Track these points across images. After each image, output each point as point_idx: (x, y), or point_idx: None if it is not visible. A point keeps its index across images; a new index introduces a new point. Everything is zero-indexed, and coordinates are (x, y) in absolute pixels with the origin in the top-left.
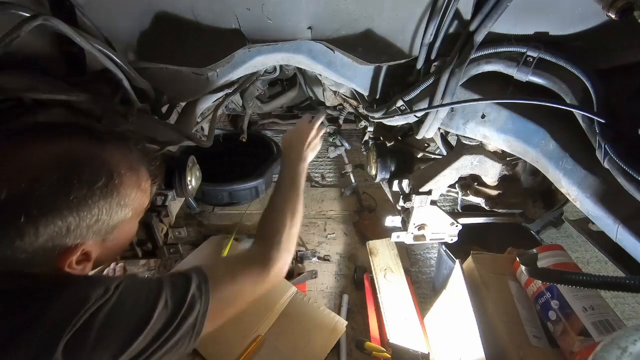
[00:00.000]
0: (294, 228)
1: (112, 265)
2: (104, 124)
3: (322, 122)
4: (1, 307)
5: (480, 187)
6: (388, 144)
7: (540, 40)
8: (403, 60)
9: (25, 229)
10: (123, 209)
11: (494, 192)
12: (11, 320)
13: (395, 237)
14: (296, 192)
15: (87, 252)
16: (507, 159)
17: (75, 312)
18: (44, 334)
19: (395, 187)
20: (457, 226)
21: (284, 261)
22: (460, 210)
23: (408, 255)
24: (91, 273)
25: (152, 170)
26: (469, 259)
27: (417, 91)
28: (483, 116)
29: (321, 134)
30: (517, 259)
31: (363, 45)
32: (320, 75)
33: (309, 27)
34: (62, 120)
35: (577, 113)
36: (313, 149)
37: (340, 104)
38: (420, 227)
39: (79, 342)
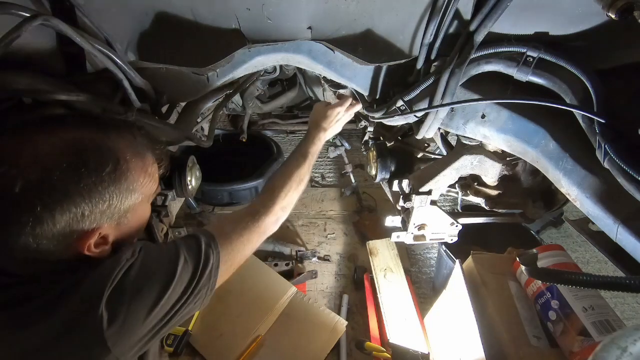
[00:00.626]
0: (295, 192)
1: None
2: None
3: (351, 102)
4: (38, 287)
5: (480, 187)
6: (388, 144)
7: (540, 40)
8: (403, 60)
9: (43, 217)
10: (133, 194)
11: (494, 192)
12: (53, 289)
13: (395, 237)
14: (307, 161)
15: (105, 236)
16: (507, 159)
17: (110, 272)
18: (86, 294)
19: (395, 187)
20: (457, 226)
21: (277, 216)
22: (460, 210)
23: (408, 255)
24: None
25: (157, 154)
26: (469, 259)
27: (417, 91)
28: (483, 116)
29: (351, 111)
30: (517, 259)
31: (363, 45)
32: (321, 75)
33: (309, 27)
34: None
35: (577, 113)
36: (336, 123)
37: None
38: (420, 227)
39: (118, 297)
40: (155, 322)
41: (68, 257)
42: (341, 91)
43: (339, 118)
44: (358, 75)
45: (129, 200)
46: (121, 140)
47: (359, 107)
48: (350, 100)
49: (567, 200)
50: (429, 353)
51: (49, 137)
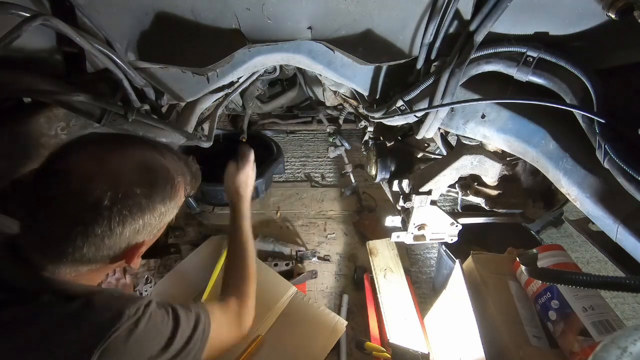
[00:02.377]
0: (254, 272)
1: None
2: (106, 126)
3: (246, 155)
4: (37, 308)
5: (480, 187)
6: (388, 144)
7: (540, 40)
8: (403, 60)
9: (117, 227)
10: (174, 210)
11: (494, 192)
12: (45, 323)
13: (395, 237)
14: (250, 239)
15: (143, 250)
16: (507, 159)
17: (109, 325)
18: (80, 343)
19: (395, 187)
20: (457, 226)
21: (253, 309)
22: (460, 210)
23: (408, 255)
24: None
25: (195, 175)
26: (469, 259)
27: (417, 91)
28: (483, 116)
29: (249, 166)
30: (517, 259)
31: (363, 45)
32: (320, 75)
33: (309, 27)
34: (56, 123)
35: (577, 113)
36: (247, 185)
37: (340, 104)
38: (420, 227)
39: (113, 352)
40: None
41: (91, 275)
42: (242, 147)
43: (251, 177)
44: (358, 75)
45: (171, 215)
46: (172, 161)
47: (252, 158)
48: (252, 154)
49: (567, 200)
50: (429, 353)
51: (125, 155)
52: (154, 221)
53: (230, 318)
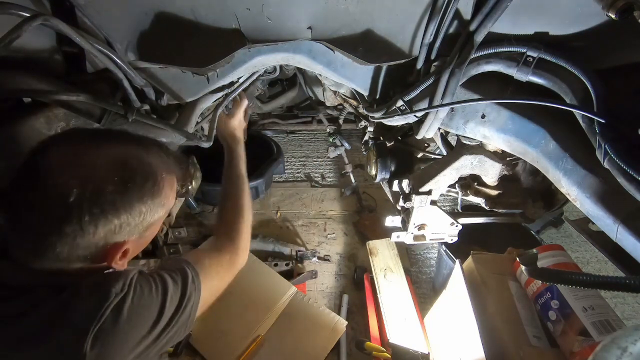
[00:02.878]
0: (250, 218)
1: None
2: (105, 126)
3: (238, 101)
4: (29, 302)
5: (480, 187)
6: (388, 144)
7: (540, 40)
8: (403, 60)
9: (88, 227)
10: (161, 209)
11: (494, 192)
12: (45, 308)
13: (395, 237)
14: (245, 180)
15: (127, 250)
16: (507, 159)
17: (98, 307)
18: (72, 330)
19: (395, 187)
20: (457, 226)
21: (247, 251)
22: (460, 210)
23: (408, 255)
24: None
25: (182, 172)
26: (469, 259)
27: (417, 91)
28: (483, 116)
29: (241, 112)
30: (517, 259)
31: (363, 45)
32: (320, 75)
33: (309, 27)
34: (56, 123)
35: (577, 113)
36: (240, 128)
37: (340, 104)
38: (420, 227)
39: (103, 337)
40: (134, 357)
41: (84, 269)
42: (236, 96)
43: (242, 122)
44: (358, 75)
45: (157, 215)
46: (157, 157)
47: (245, 104)
48: (244, 102)
49: (567, 200)
50: (429, 353)
51: (101, 150)
52: (134, 221)
53: (221, 263)
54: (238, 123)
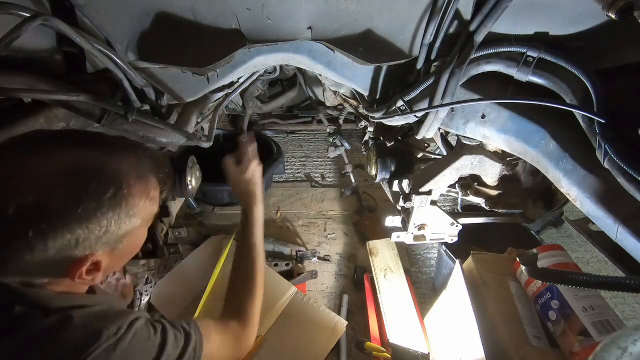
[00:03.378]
0: (261, 289)
1: None
2: (105, 126)
3: (243, 148)
4: (9, 327)
5: (480, 187)
6: (388, 144)
7: (540, 40)
8: (403, 60)
9: (34, 243)
10: (132, 219)
11: (494, 192)
12: (16, 343)
13: (395, 237)
14: (260, 252)
15: (97, 262)
16: (507, 159)
17: (84, 347)
18: None
19: (395, 187)
20: (457, 226)
21: (255, 330)
22: (460, 210)
23: (408, 255)
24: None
25: (161, 178)
26: (469, 259)
27: (417, 91)
28: (483, 116)
29: (252, 161)
30: (517, 259)
31: (363, 45)
32: (320, 75)
33: (309, 27)
34: (56, 123)
35: (577, 113)
36: (255, 182)
37: (340, 104)
38: (420, 227)
39: None
40: None
41: (58, 294)
42: (241, 138)
43: (256, 176)
44: (358, 75)
45: (127, 226)
46: (125, 162)
47: (253, 146)
48: (251, 146)
49: (567, 200)
50: (429, 353)
51: (49, 156)
52: (94, 234)
53: (227, 340)
54: (251, 174)
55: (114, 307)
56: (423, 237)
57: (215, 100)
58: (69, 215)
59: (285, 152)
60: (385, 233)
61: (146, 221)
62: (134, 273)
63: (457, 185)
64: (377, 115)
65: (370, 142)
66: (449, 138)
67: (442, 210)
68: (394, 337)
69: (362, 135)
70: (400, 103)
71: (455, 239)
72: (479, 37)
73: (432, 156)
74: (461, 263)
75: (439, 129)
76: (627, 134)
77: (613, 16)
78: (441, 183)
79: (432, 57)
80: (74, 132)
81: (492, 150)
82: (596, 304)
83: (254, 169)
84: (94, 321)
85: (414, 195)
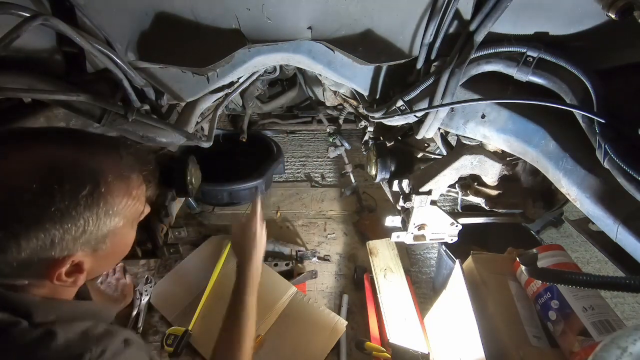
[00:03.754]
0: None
1: None
2: (105, 126)
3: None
4: None
5: (480, 187)
6: (388, 144)
7: (540, 40)
8: (403, 60)
9: (6, 243)
10: (112, 218)
11: (494, 192)
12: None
13: (395, 237)
14: (250, 316)
15: (78, 263)
16: (507, 159)
17: None
18: None
19: (395, 187)
20: (457, 226)
21: None
22: (460, 210)
23: (408, 255)
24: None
25: (145, 175)
26: (469, 259)
27: (417, 91)
28: (483, 116)
29: (256, 221)
30: (517, 259)
31: (363, 45)
32: (320, 75)
33: (309, 27)
34: (56, 123)
35: (577, 113)
36: (259, 243)
37: (340, 104)
38: (420, 227)
39: None
40: None
41: (35, 290)
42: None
43: (258, 234)
44: (358, 75)
45: (107, 225)
46: (105, 159)
47: (259, 207)
48: (259, 206)
49: (567, 200)
50: (429, 353)
51: (23, 153)
52: (71, 234)
53: None
54: (253, 233)
55: (103, 317)
56: (423, 237)
57: (215, 100)
58: (43, 214)
59: (285, 152)
60: (385, 233)
61: (131, 221)
62: (134, 273)
63: (457, 185)
64: (377, 115)
65: (370, 142)
66: (449, 138)
67: (442, 210)
68: (394, 337)
69: (362, 135)
70: (400, 103)
71: (455, 239)
72: (479, 37)
73: (432, 156)
74: (461, 263)
75: (439, 129)
76: (627, 134)
77: (613, 16)
78: (441, 183)
79: (432, 57)
80: (55, 129)
81: (492, 150)
82: (596, 304)
83: (261, 233)
84: (77, 342)
85: (414, 195)
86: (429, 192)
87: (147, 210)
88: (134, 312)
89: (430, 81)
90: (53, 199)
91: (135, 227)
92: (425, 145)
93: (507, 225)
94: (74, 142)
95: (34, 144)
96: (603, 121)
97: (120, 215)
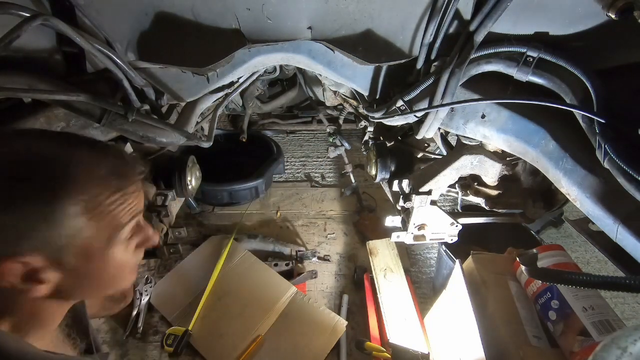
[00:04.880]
0: None
1: None
2: (105, 125)
3: None
4: None
5: (480, 187)
6: (388, 144)
7: (540, 40)
8: (403, 60)
9: None
10: (72, 221)
11: (494, 192)
12: None
13: (395, 237)
14: None
15: (34, 269)
16: (507, 159)
17: None
18: None
19: (395, 187)
20: (457, 226)
21: None
22: (460, 210)
23: (408, 255)
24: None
25: (127, 182)
26: (469, 259)
27: (417, 91)
28: (483, 116)
29: None
30: (517, 259)
31: (363, 45)
32: (320, 75)
33: (309, 27)
34: (56, 123)
35: (577, 113)
36: None
37: (340, 104)
38: (420, 227)
39: None
40: None
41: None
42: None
43: None
44: (358, 75)
45: (67, 230)
46: (85, 161)
47: None
48: None
49: (567, 200)
50: (429, 353)
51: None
52: (18, 228)
53: None
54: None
55: None
56: (423, 237)
57: (215, 100)
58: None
59: (285, 152)
60: (385, 233)
61: (105, 235)
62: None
63: (457, 185)
64: (377, 115)
65: (370, 142)
66: (449, 138)
67: (442, 210)
68: (394, 337)
69: (362, 135)
70: (400, 103)
71: (455, 239)
72: (479, 37)
73: (432, 156)
74: (461, 263)
75: (439, 129)
76: (627, 134)
77: (613, 16)
78: (441, 183)
79: (432, 57)
80: (40, 130)
81: (492, 150)
82: (596, 304)
83: None
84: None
85: (414, 195)
86: (429, 192)
87: (135, 228)
88: (134, 312)
89: (430, 81)
90: (10, 186)
91: (128, 253)
92: (425, 145)
93: (507, 225)
94: (57, 141)
95: (14, 138)
96: (603, 121)
97: (83, 219)
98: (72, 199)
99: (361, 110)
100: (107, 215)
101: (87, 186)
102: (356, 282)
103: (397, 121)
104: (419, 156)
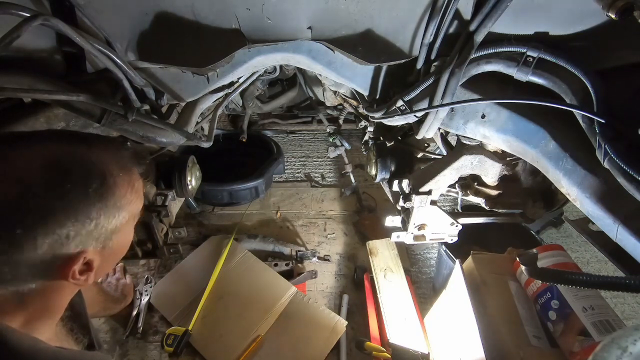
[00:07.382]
0: None
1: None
2: (105, 126)
3: None
4: None
5: (480, 187)
6: (388, 144)
7: (540, 40)
8: (403, 60)
9: (23, 240)
10: (120, 212)
11: (494, 192)
12: None
13: (395, 237)
14: None
15: (89, 262)
16: (507, 159)
17: None
18: None
19: (395, 187)
20: (457, 226)
21: None
22: (460, 210)
23: (408, 255)
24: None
25: (143, 169)
26: (469, 259)
27: (417, 91)
28: (483, 116)
29: None
30: (517, 259)
31: (363, 45)
32: (320, 75)
33: (309, 27)
34: (56, 123)
35: (577, 113)
36: None
37: (340, 104)
38: (420, 227)
39: None
40: None
41: (40, 291)
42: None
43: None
44: (358, 75)
45: (116, 220)
46: (105, 153)
47: None
48: None
49: (567, 200)
50: (429, 353)
51: (26, 152)
52: (85, 228)
53: None
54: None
55: None
56: (423, 237)
57: (215, 100)
58: (57, 208)
59: (285, 152)
60: (385, 233)
61: (133, 217)
62: (134, 273)
63: (457, 185)
64: (377, 115)
65: (370, 142)
66: (449, 138)
67: (442, 210)
68: (394, 337)
69: (362, 135)
70: (400, 103)
71: (455, 239)
72: (479, 37)
73: (432, 156)
74: (461, 263)
75: (439, 129)
76: (627, 134)
77: (613, 16)
78: (441, 183)
79: (432, 57)
80: (55, 131)
81: (492, 150)
82: (596, 304)
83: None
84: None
85: (414, 195)
86: (429, 192)
87: (142, 208)
88: (134, 312)
89: (430, 81)
90: (65, 193)
91: (134, 227)
92: (425, 145)
93: (507, 225)
94: (72, 139)
95: (36, 143)
96: (603, 121)
97: (126, 209)
98: (117, 192)
99: (361, 110)
100: (136, 201)
101: (121, 178)
102: (356, 282)
103: (397, 121)
104: (419, 156)
